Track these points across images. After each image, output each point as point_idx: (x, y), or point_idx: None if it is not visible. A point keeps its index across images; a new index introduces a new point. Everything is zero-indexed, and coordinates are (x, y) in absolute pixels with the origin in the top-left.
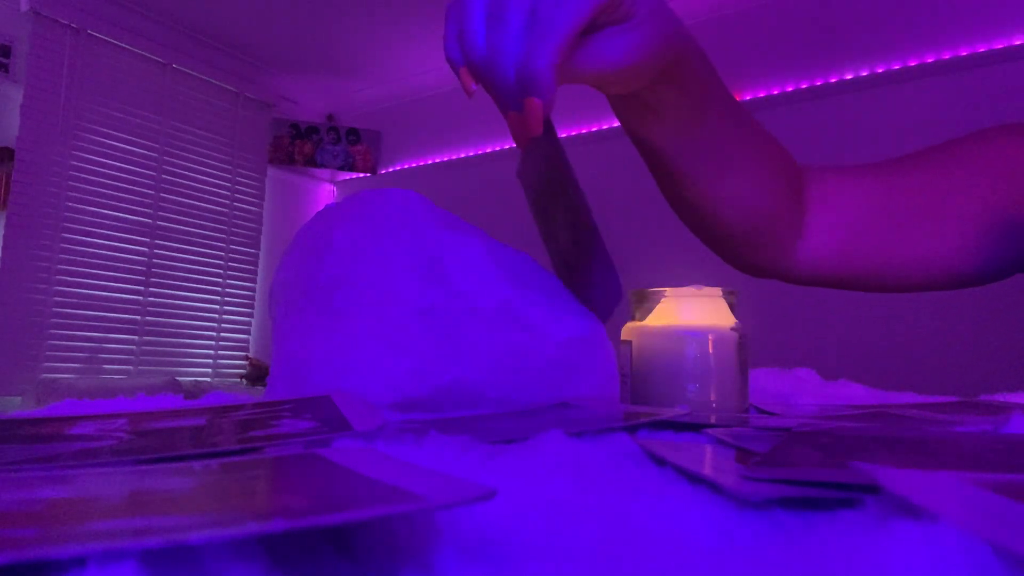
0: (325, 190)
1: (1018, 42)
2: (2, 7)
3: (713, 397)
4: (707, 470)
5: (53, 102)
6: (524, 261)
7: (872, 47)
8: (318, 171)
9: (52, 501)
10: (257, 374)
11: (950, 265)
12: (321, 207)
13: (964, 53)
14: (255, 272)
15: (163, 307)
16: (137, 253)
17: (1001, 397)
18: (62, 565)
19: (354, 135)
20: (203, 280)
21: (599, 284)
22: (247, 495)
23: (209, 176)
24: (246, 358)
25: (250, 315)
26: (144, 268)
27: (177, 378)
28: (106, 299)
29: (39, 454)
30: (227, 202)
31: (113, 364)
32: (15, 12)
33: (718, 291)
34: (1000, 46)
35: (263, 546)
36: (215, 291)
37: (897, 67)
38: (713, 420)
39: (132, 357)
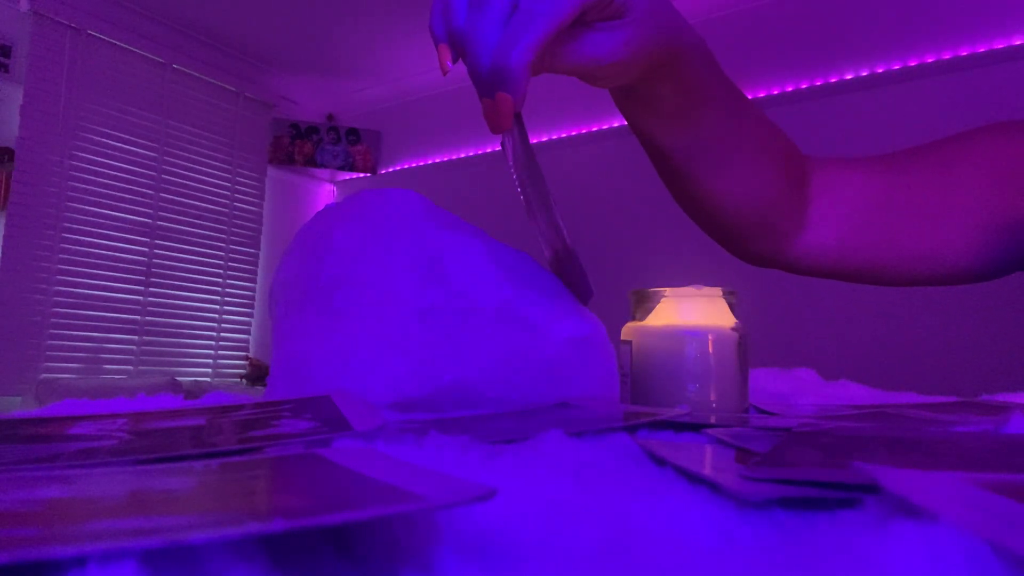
0: (325, 190)
1: (1018, 42)
2: (2, 7)
3: (713, 397)
4: (707, 470)
5: (53, 102)
6: (524, 261)
7: (872, 47)
8: (318, 171)
9: (52, 501)
10: (257, 374)
11: (950, 261)
12: (321, 207)
13: (964, 53)
14: (255, 272)
15: (163, 307)
16: (137, 253)
17: (1001, 397)
18: (62, 565)
19: (354, 135)
20: (203, 280)
21: (570, 284)
22: (247, 495)
23: (209, 176)
24: (246, 358)
25: (250, 315)
26: (144, 268)
27: (177, 378)
28: (106, 299)
29: (39, 454)
30: (227, 202)
31: (113, 364)
32: (15, 12)
33: (718, 291)
34: (1000, 46)
35: (263, 546)
36: (215, 291)
37: (897, 67)
38: (713, 420)
39: (132, 357)
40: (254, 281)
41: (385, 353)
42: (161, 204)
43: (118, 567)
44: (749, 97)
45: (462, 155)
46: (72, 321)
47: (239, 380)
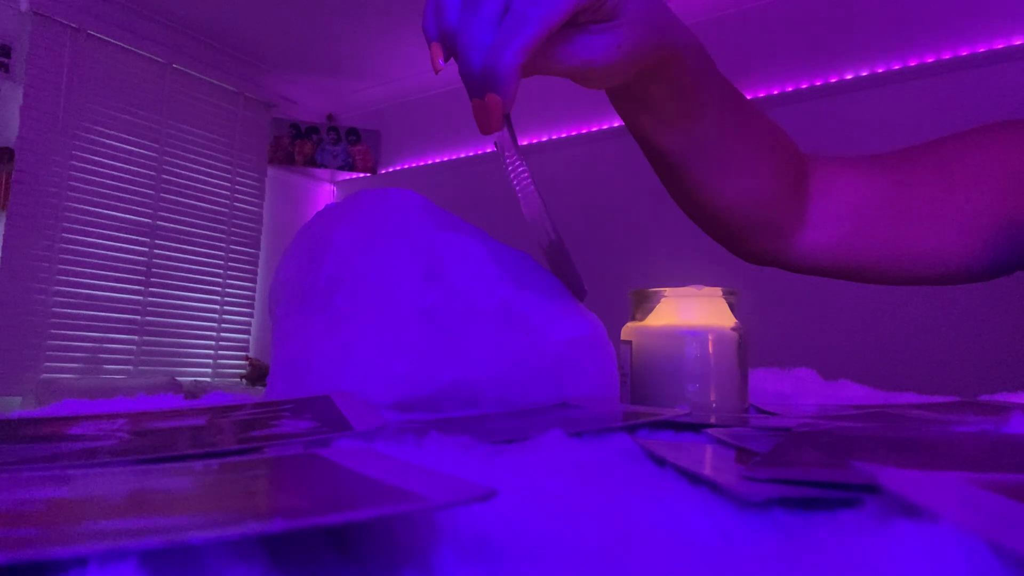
0: (325, 190)
1: (1018, 42)
2: (2, 7)
3: (713, 397)
4: (707, 470)
5: (53, 102)
6: (524, 261)
7: (872, 47)
8: (318, 171)
9: (52, 501)
10: (257, 374)
11: (950, 261)
12: (321, 207)
13: (964, 53)
14: (255, 272)
15: (163, 307)
16: (137, 253)
17: (1001, 397)
18: (62, 565)
19: (354, 135)
20: (203, 280)
21: (564, 279)
22: (247, 495)
23: (209, 176)
24: (246, 358)
25: (250, 315)
26: (144, 268)
27: (177, 378)
28: (106, 299)
29: (39, 454)
30: (227, 202)
31: (113, 364)
32: (15, 12)
33: (718, 291)
34: (1000, 46)
35: (263, 546)
36: (215, 291)
37: (897, 67)
38: (713, 420)
39: (132, 357)
40: (254, 281)
41: (385, 353)
42: (161, 204)
43: (118, 567)
44: (749, 97)
45: (462, 155)
46: (72, 321)
47: (239, 380)
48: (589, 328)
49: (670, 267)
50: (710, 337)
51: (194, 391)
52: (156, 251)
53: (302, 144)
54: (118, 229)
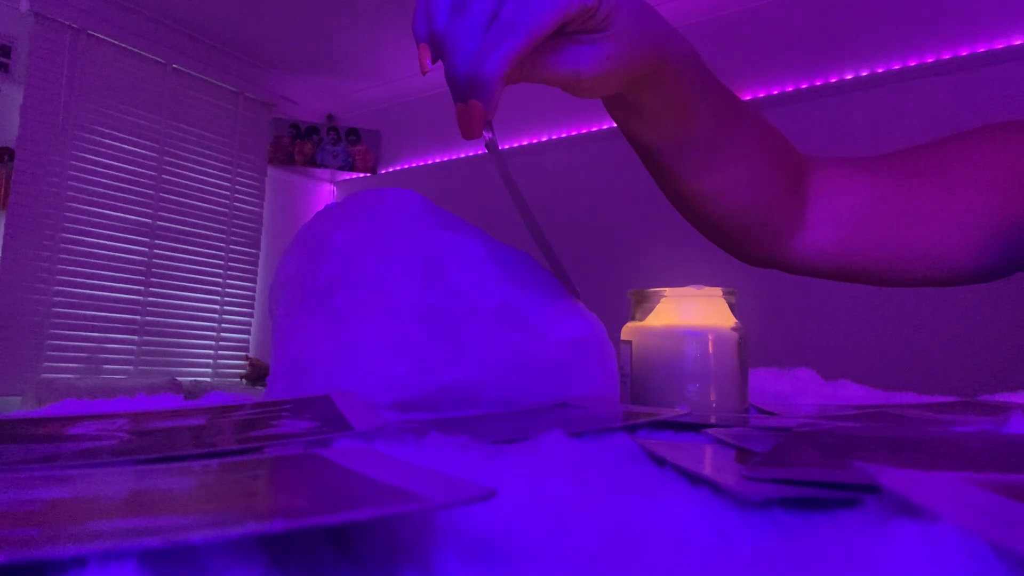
0: (325, 190)
1: (1018, 42)
2: (2, 7)
3: (713, 397)
4: (707, 470)
5: (53, 102)
6: (524, 261)
7: (872, 47)
8: (318, 171)
9: (52, 501)
10: (257, 374)
11: (950, 262)
12: (321, 207)
13: (964, 53)
14: (255, 272)
15: (163, 307)
16: (137, 253)
17: (1001, 397)
18: (62, 565)
19: (354, 135)
20: (203, 280)
21: (558, 275)
22: (247, 495)
23: (209, 176)
24: (246, 358)
25: (250, 315)
26: (144, 268)
27: (177, 378)
28: (106, 299)
29: (39, 454)
30: (227, 202)
31: (113, 364)
32: (15, 12)
33: (718, 291)
34: (1000, 46)
35: (263, 546)
36: (215, 291)
37: (897, 67)
38: (713, 420)
39: (132, 357)
40: (254, 281)
41: (385, 353)
42: (161, 204)
43: (118, 567)
44: (747, 98)
45: (462, 155)
46: (72, 321)
47: (239, 380)
48: (589, 328)
49: (670, 267)
50: (710, 337)
51: (194, 391)
52: (156, 251)
53: (302, 144)
54: (118, 229)
